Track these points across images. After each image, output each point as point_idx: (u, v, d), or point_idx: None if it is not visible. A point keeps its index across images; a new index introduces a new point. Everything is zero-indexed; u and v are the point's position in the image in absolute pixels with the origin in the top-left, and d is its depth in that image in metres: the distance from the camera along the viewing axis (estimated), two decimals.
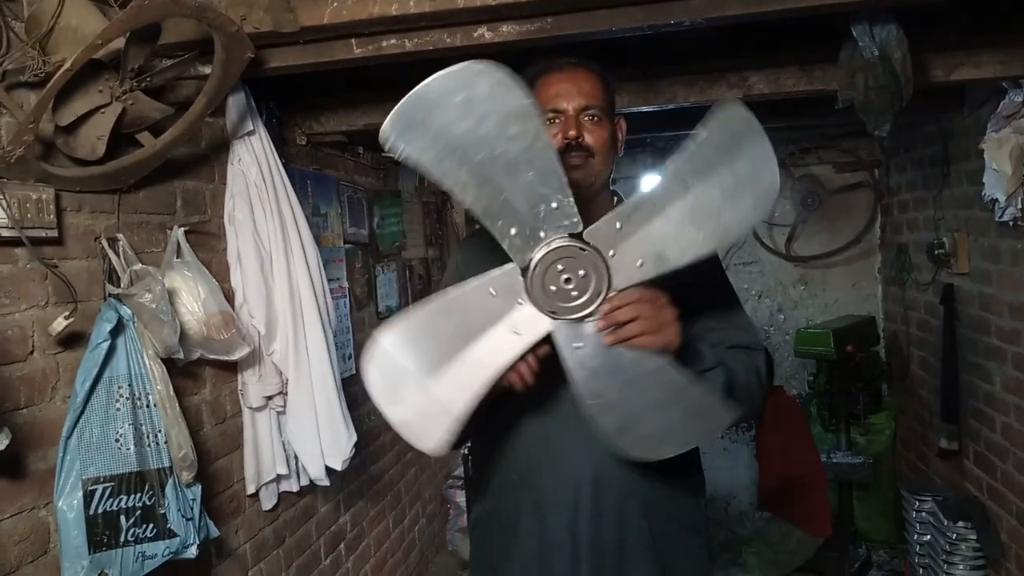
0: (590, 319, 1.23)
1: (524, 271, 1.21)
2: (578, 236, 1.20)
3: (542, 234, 1.19)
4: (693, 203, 1.19)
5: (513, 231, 1.19)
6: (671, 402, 1.27)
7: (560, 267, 1.20)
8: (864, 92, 2.22)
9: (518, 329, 1.22)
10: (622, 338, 1.23)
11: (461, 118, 1.13)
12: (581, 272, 1.20)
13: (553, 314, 1.21)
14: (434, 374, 1.24)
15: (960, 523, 3.27)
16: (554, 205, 1.18)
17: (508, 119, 1.13)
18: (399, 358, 1.25)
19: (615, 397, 1.25)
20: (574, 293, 1.21)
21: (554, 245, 1.19)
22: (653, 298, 1.26)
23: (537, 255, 1.20)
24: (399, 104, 1.13)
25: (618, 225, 1.20)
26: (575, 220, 1.19)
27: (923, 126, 3.81)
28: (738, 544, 3.97)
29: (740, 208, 1.21)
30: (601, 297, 1.21)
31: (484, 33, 1.89)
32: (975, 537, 3.23)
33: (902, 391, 4.36)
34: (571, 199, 1.18)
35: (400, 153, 1.15)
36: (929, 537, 3.47)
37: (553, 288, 1.20)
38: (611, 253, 1.21)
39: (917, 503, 3.54)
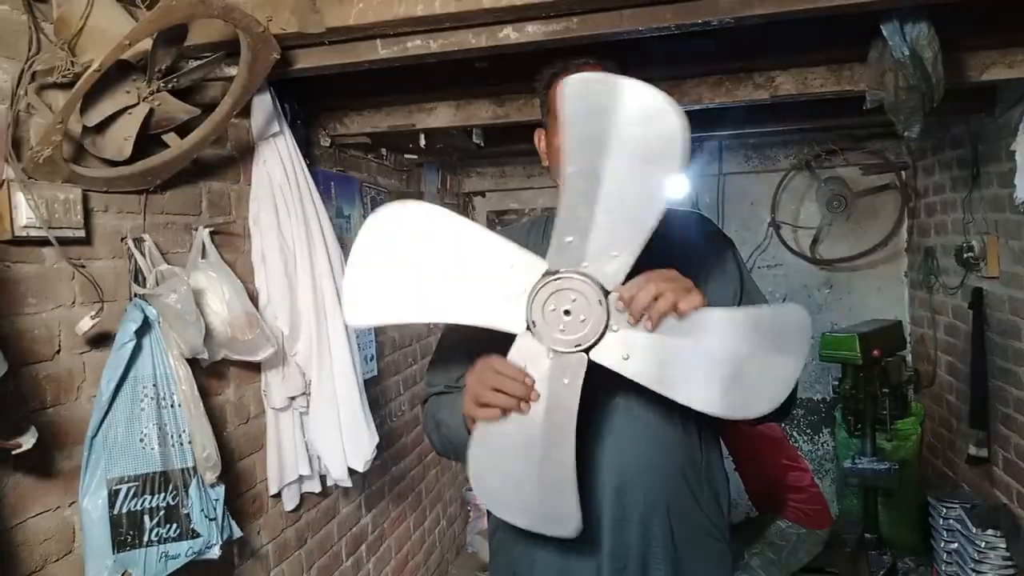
0: (552, 355, 1.21)
1: (546, 273, 1.20)
2: (606, 292, 1.18)
3: (585, 264, 1.18)
4: (717, 357, 1.17)
5: (569, 239, 1.17)
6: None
7: (572, 298, 1.18)
8: (894, 92, 2.18)
9: (496, 310, 1.23)
10: (661, 312, 1.17)
11: (628, 131, 1.10)
12: (582, 318, 1.19)
13: (532, 324, 1.20)
14: (416, 272, 1.25)
15: (989, 531, 3.21)
16: (614, 254, 1.16)
17: (653, 174, 1.12)
18: (405, 233, 1.26)
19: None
20: (561, 327, 1.20)
21: (584, 279, 1.17)
22: (662, 273, 1.21)
23: (567, 273, 1.18)
24: (599, 76, 1.14)
25: None
26: (616, 283, 1.17)
27: (952, 128, 3.75)
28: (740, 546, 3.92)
29: (741, 396, 1.18)
30: (576, 349, 1.20)
31: (509, 33, 1.88)
32: (1004, 545, 3.16)
33: (929, 396, 4.30)
34: (630, 265, 1.16)
35: (565, 108, 1.12)
36: (957, 545, 3.41)
37: (552, 308, 1.19)
38: (615, 328, 1.19)
39: (944, 510, 3.49)
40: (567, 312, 1.19)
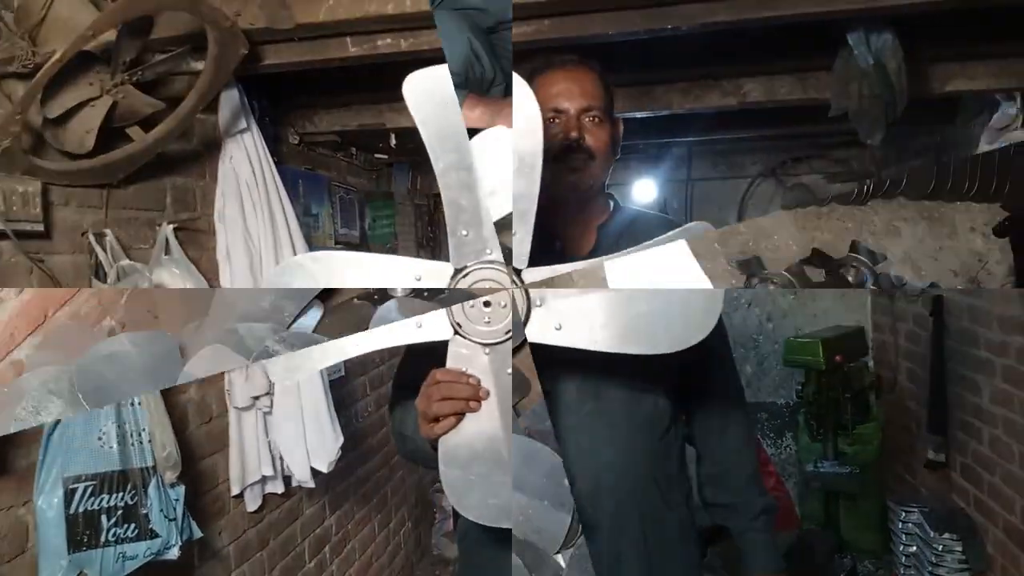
0: (488, 350, 1.18)
1: (455, 273, 1.18)
2: (518, 272, 1.17)
3: (488, 251, 1.16)
4: (643, 295, 1.17)
5: (464, 233, 1.16)
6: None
7: (487, 286, 1.17)
8: (858, 101, 2.22)
9: (421, 322, 1.20)
10: None
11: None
12: (503, 303, 1.17)
13: (459, 326, 1.18)
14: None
15: (946, 535, 3.27)
16: (512, 232, 1.15)
17: (519, 142, 1.12)
18: (302, 283, 1.24)
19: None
20: (486, 319, 1.17)
21: (493, 266, 1.16)
22: None
23: (474, 266, 1.17)
24: (435, 69, 1.12)
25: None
26: (524, 260, 1.16)
27: (916, 137, 3.82)
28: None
29: (681, 324, 1.17)
30: (507, 336, 1.17)
31: None
32: (961, 549, 3.22)
33: (890, 402, 4.36)
34: (530, 237, 1.15)
35: (414, 108, 1.12)
36: (915, 548, 3.47)
37: (471, 305, 1.17)
38: (538, 302, 1.18)
39: (904, 514, 3.54)
40: (487, 304, 1.17)
